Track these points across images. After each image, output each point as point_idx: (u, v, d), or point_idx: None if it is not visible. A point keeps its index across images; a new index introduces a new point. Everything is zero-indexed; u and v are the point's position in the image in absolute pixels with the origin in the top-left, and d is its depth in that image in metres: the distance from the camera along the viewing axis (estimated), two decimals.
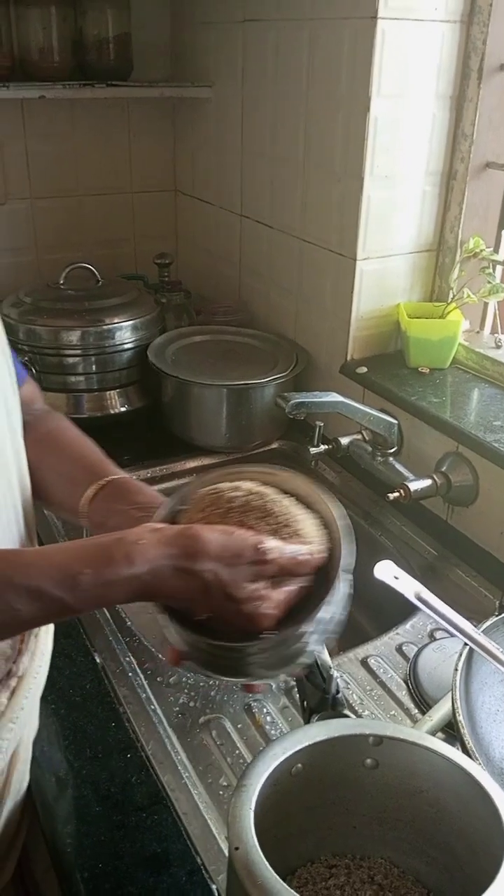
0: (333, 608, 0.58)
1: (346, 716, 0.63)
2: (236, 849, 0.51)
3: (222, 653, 0.58)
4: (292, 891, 0.48)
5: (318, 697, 0.64)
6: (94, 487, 0.71)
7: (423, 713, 0.87)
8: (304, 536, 0.61)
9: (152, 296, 1.57)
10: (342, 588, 0.58)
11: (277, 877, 0.49)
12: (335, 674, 0.64)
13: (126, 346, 1.41)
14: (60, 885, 0.70)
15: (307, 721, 0.65)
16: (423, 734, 0.62)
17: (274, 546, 0.58)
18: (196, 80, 1.60)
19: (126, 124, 1.71)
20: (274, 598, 0.58)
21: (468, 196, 1.29)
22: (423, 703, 0.88)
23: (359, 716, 0.84)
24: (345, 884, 0.65)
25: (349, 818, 0.66)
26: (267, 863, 0.50)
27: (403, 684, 0.91)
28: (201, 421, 1.39)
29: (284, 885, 0.49)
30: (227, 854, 0.70)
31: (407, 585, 0.81)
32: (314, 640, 0.58)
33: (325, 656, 0.68)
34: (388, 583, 0.81)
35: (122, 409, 1.45)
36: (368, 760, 0.63)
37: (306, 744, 0.59)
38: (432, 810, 0.63)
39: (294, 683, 0.90)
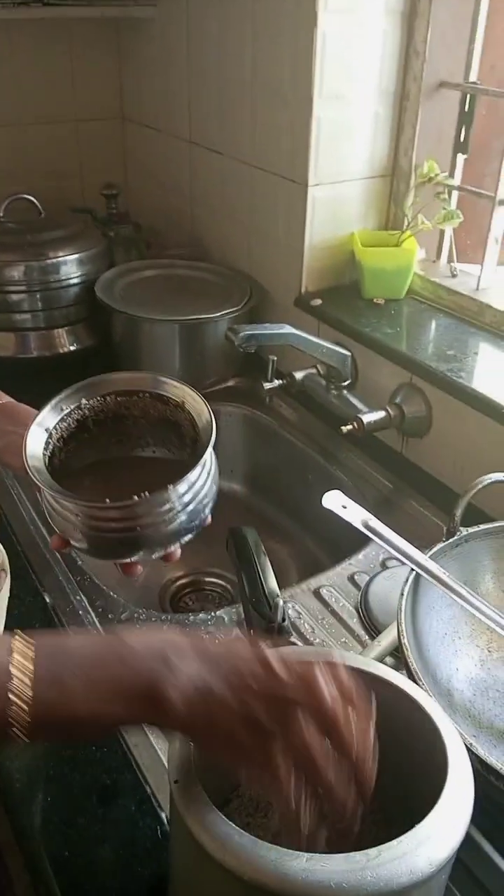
0: (201, 473, 0.63)
1: (293, 643, 0.63)
2: (175, 782, 0.51)
3: (104, 522, 0.61)
4: (230, 822, 0.48)
5: (264, 625, 0.64)
6: None
7: (373, 639, 0.87)
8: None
9: (100, 229, 1.51)
10: (210, 460, 0.63)
11: (215, 809, 0.48)
12: (280, 602, 0.63)
13: (72, 282, 1.36)
14: (10, 820, 0.70)
15: None
16: (367, 659, 0.62)
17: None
18: None
19: (68, 47, 1.62)
20: None
21: (422, 117, 1.25)
22: (374, 629, 0.88)
23: (309, 644, 0.84)
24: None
25: None
26: (205, 794, 0.50)
27: (355, 612, 0.91)
28: (153, 359, 1.36)
29: (223, 817, 0.48)
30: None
31: (355, 514, 0.80)
32: (193, 508, 0.63)
33: (272, 583, 0.67)
34: (336, 512, 0.81)
35: (72, 348, 1.41)
36: None
37: None
38: (376, 733, 0.63)
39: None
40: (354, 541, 1.07)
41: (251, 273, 1.44)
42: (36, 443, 0.64)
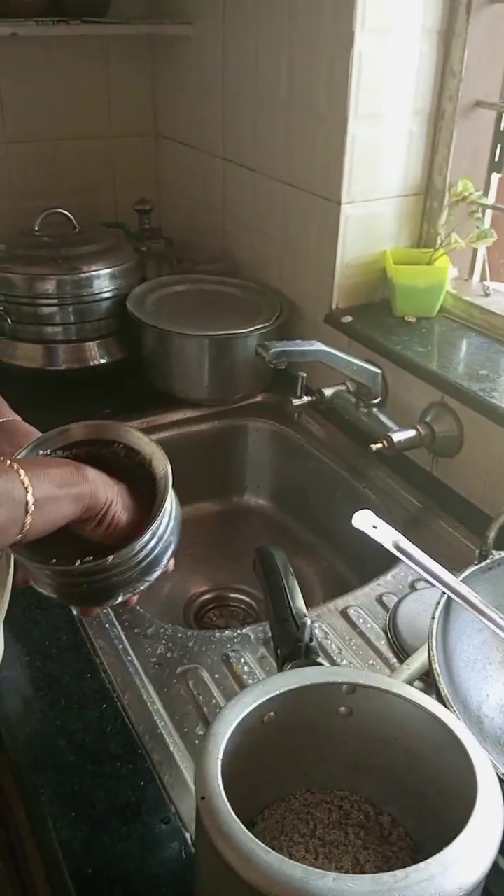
0: (165, 521, 0.64)
1: (320, 664, 0.62)
2: (202, 798, 0.50)
3: (74, 579, 0.63)
4: (256, 840, 0.47)
5: (292, 645, 0.63)
6: None
7: (401, 661, 0.86)
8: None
9: (132, 244, 1.52)
10: (170, 505, 0.64)
11: (242, 825, 0.48)
12: (308, 621, 0.62)
13: (104, 296, 1.38)
14: (34, 832, 0.70)
15: (280, 669, 0.64)
16: (397, 682, 0.61)
17: None
18: (175, 16, 1.53)
19: (104, 64, 1.64)
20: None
21: (457, 137, 1.24)
22: (403, 652, 0.87)
23: (336, 665, 0.83)
24: (316, 819, 0.64)
25: (322, 765, 0.66)
26: (232, 811, 0.49)
27: (383, 634, 0.90)
28: (183, 373, 1.36)
29: (249, 834, 0.48)
30: None
31: (385, 534, 0.79)
32: (158, 553, 0.64)
33: (300, 604, 0.66)
34: (366, 532, 0.80)
35: (102, 361, 1.42)
36: (342, 708, 0.62)
37: (278, 692, 0.58)
38: (406, 757, 0.62)
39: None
40: (381, 560, 1.06)
41: (281, 289, 1.45)
42: None
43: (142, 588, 0.66)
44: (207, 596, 1.25)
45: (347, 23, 1.12)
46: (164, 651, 0.88)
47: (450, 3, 1.16)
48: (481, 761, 0.54)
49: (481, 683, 0.79)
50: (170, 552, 0.66)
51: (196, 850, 0.58)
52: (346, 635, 0.90)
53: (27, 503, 0.54)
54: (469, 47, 1.18)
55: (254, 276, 1.51)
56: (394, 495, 1.19)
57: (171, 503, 0.64)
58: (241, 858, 0.46)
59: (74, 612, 0.91)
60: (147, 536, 0.62)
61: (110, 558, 0.60)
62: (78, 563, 0.60)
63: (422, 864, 0.46)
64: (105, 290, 1.37)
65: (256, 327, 1.32)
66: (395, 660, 0.87)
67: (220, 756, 0.52)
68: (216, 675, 0.84)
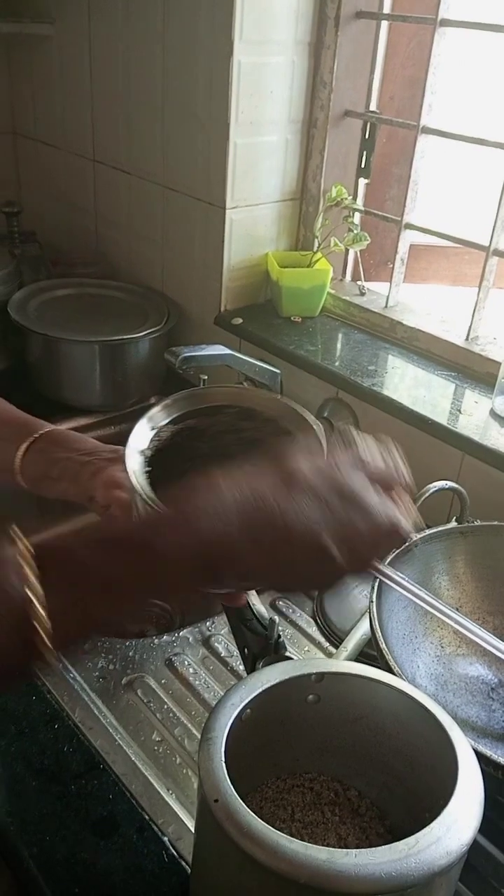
0: None
1: (290, 657, 0.66)
2: (216, 801, 0.52)
3: None
4: (278, 832, 0.50)
5: (261, 643, 0.66)
6: (27, 442, 0.68)
7: (333, 645, 0.92)
8: None
9: (5, 248, 1.47)
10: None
11: (263, 823, 0.51)
12: (276, 619, 0.66)
13: None
14: (9, 865, 0.69)
15: (251, 667, 0.67)
16: (361, 665, 0.66)
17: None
18: (34, 15, 1.49)
19: None
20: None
21: (329, 144, 1.31)
22: (333, 634, 0.93)
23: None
24: (293, 804, 0.68)
25: (290, 751, 0.70)
26: (248, 808, 0.52)
27: (312, 620, 0.95)
28: (73, 380, 1.34)
29: (269, 827, 0.51)
30: (172, 806, 0.72)
31: None
32: None
33: (260, 606, 0.70)
34: None
35: None
36: (311, 696, 0.66)
37: (259, 690, 0.61)
38: (371, 734, 0.67)
39: (210, 633, 0.92)
40: None
41: (165, 291, 1.46)
42: (136, 465, 0.59)
43: None
44: None
45: (226, 33, 1.15)
46: (106, 664, 0.88)
47: (319, 15, 1.22)
48: (454, 729, 0.60)
49: (412, 656, 0.86)
50: None
51: (203, 852, 0.60)
52: (280, 626, 0.94)
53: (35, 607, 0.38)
54: (338, 59, 1.25)
55: (134, 278, 1.51)
56: None
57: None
58: (268, 851, 0.49)
59: None
60: None
61: None
62: None
63: (426, 830, 0.51)
64: None
65: (148, 331, 1.32)
66: (327, 644, 0.92)
67: (223, 758, 0.55)
68: (163, 681, 0.86)
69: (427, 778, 0.64)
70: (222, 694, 0.82)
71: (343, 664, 0.66)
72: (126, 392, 1.38)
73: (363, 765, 0.69)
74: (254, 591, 0.72)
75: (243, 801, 0.68)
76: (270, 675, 0.62)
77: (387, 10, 1.24)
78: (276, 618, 0.66)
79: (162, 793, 0.74)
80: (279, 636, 0.66)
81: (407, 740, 0.65)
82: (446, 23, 1.13)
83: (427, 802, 0.64)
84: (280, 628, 0.67)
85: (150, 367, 1.36)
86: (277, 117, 1.26)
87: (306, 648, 0.92)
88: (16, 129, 1.69)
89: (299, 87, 1.27)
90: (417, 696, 0.62)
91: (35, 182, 1.71)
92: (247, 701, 0.60)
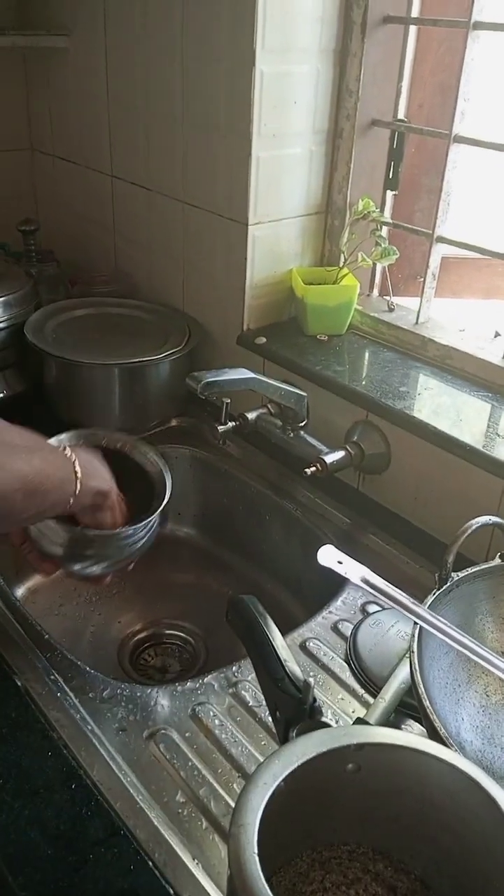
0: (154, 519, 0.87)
1: (327, 724, 0.60)
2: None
3: (94, 542, 0.83)
4: None
5: (294, 706, 0.60)
6: None
7: (369, 692, 0.86)
8: None
9: (22, 267, 1.43)
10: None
11: None
12: (312, 682, 0.60)
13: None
14: None
15: (284, 733, 0.61)
16: (405, 735, 0.60)
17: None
18: (49, 27, 1.45)
19: None
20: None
21: (355, 155, 1.25)
22: (369, 682, 0.87)
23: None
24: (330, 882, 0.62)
25: (332, 822, 0.64)
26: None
27: (346, 665, 0.90)
28: (92, 403, 1.29)
29: None
30: (198, 877, 0.67)
31: (352, 570, 0.78)
32: (145, 542, 0.87)
33: (293, 665, 0.64)
34: (332, 568, 0.79)
35: (1, 395, 1.32)
36: (350, 765, 0.60)
37: (295, 766, 0.55)
38: (417, 806, 0.61)
39: (237, 678, 0.87)
40: (317, 579, 1.06)
41: (186, 310, 1.41)
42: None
43: (117, 568, 0.86)
44: (141, 635, 1.20)
45: (247, 41, 1.10)
46: (126, 714, 0.82)
47: (344, 21, 1.17)
48: None
49: (455, 707, 0.80)
50: (145, 547, 0.87)
51: None
52: (311, 671, 0.89)
53: (76, 472, 0.75)
54: (364, 66, 1.19)
55: (154, 296, 1.46)
56: (325, 514, 1.19)
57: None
58: None
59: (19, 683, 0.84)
60: (155, 516, 0.86)
61: (141, 524, 0.84)
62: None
63: None
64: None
65: (168, 353, 1.27)
66: (362, 691, 0.86)
67: (255, 850, 0.49)
68: (187, 734, 0.80)
69: (480, 858, 0.58)
70: (249, 749, 0.77)
71: (385, 733, 0.60)
72: (147, 414, 1.33)
73: (407, 838, 0.63)
74: (280, 638, 0.67)
75: (276, 875, 0.63)
76: (306, 748, 0.57)
77: (415, 13, 1.19)
78: (311, 680, 0.60)
79: (186, 861, 0.68)
80: (314, 700, 0.60)
81: (457, 814, 0.59)
82: (480, 26, 1.07)
83: (480, 883, 0.58)
84: (314, 686, 0.61)
85: (171, 388, 1.31)
86: (302, 128, 1.21)
87: (340, 696, 0.86)
88: (33, 144, 1.66)
89: (324, 96, 1.21)
90: (468, 769, 0.56)
91: (52, 199, 1.67)
92: (281, 778, 0.55)
